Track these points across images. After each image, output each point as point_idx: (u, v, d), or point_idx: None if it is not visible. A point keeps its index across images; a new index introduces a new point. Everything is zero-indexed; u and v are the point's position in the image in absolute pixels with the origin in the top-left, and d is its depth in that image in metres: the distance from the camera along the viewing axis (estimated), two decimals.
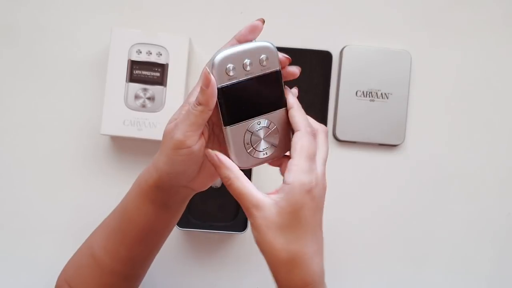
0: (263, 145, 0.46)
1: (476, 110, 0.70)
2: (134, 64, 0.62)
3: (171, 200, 0.50)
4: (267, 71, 0.44)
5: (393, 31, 0.69)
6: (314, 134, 0.45)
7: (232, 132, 0.44)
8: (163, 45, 0.62)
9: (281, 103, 0.46)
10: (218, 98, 0.43)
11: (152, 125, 0.62)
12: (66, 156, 0.67)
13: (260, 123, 0.45)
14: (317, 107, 0.68)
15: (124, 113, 0.61)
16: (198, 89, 0.43)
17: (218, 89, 0.43)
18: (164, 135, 0.45)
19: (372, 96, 0.67)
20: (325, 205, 0.69)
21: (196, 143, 0.44)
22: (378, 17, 0.69)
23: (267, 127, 0.46)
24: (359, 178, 0.69)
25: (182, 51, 0.62)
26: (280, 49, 0.66)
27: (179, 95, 0.62)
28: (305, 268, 0.44)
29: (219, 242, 0.68)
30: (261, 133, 0.46)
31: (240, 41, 0.44)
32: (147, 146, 0.66)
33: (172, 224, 0.54)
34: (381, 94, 0.67)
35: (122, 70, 0.62)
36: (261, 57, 0.44)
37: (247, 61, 0.43)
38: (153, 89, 0.62)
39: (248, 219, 0.45)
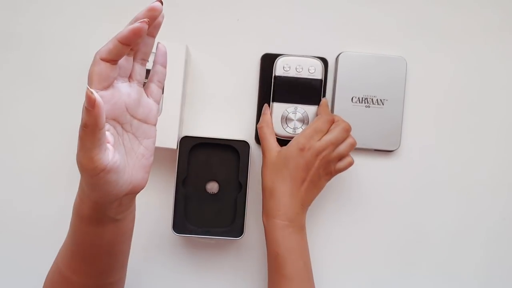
0: (293, 124, 0.65)
1: (471, 116, 0.70)
2: None
3: (116, 212, 0.47)
4: (311, 77, 0.65)
5: (388, 38, 0.70)
6: (331, 121, 0.62)
7: (275, 107, 0.65)
8: None
9: (317, 102, 0.65)
10: (273, 81, 0.65)
11: None
12: (61, 161, 0.67)
13: (296, 109, 0.65)
14: None
15: None
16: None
17: (275, 76, 0.65)
18: (78, 166, 0.42)
19: (367, 102, 0.68)
20: (321, 208, 0.70)
21: (108, 158, 0.41)
22: (373, 24, 0.70)
23: (300, 113, 0.65)
24: (354, 184, 0.69)
25: (179, 58, 0.63)
26: (277, 56, 0.67)
27: (176, 102, 0.63)
28: (276, 200, 0.60)
29: (216, 247, 0.68)
30: (295, 116, 0.65)
31: (122, 43, 0.41)
32: None
33: (129, 229, 0.52)
34: (377, 100, 0.68)
35: None
36: (310, 67, 0.65)
37: (299, 66, 0.65)
38: None
39: (262, 157, 0.63)
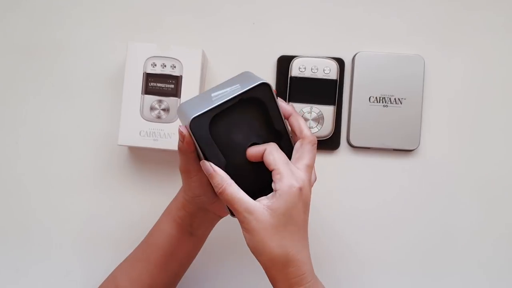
0: (309, 124, 0.66)
1: (490, 114, 0.69)
2: (149, 77, 0.64)
3: (195, 222, 0.56)
4: (327, 77, 0.66)
5: (405, 36, 0.69)
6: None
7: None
8: (177, 57, 0.64)
9: (332, 102, 0.66)
10: (289, 82, 0.66)
11: (167, 136, 0.63)
12: (86, 166, 0.69)
13: (312, 109, 0.66)
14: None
15: (140, 124, 0.63)
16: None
17: (291, 77, 0.66)
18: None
19: (385, 102, 0.67)
20: (339, 209, 0.69)
21: (198, 172, 0.51)
22: (389, 23, 0.69)
23: (315, 113, 0.66)
24: (374, 184, 0.69)
25: (195, 63, 0.64)
26: (293, 58, 0.67)
27: None
28: (298, 262, 0.48)
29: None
30: (310, 116, 0.66)
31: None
32: (163, 156, 0.68)
33: (193, 253, 0.59)
34: (395, 99, 0.67)
35: (138, 83, 0.63)
36: (325, 68, 0.66)
37: (314, 67, 0.66)
38: (167, 100, 0.64)
39: (240, 224, 0.48)
